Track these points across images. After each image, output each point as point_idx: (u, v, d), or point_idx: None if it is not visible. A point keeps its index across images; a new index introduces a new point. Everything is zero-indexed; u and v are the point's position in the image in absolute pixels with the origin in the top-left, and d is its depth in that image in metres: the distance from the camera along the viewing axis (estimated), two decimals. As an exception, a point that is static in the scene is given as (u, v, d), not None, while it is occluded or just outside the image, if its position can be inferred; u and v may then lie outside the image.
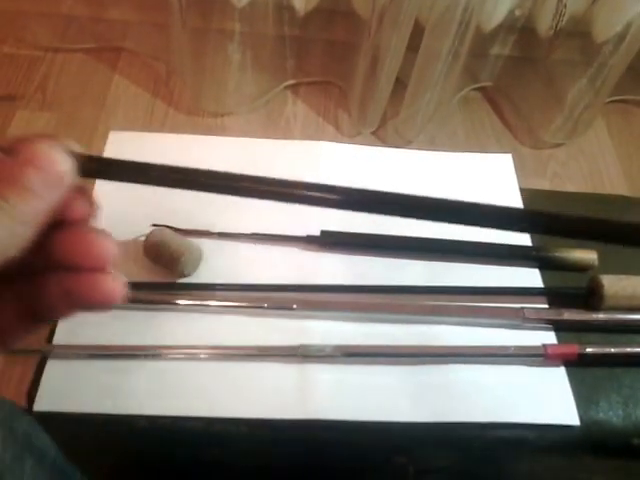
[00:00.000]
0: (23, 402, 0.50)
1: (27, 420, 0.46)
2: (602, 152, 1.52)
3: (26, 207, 0.25)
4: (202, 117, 1.45)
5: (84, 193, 0.29)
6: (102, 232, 0.28)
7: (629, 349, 0.53)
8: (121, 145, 0.65)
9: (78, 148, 0.28)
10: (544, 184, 1.43)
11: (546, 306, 0.57)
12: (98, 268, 0.28)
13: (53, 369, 0.51)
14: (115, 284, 0.28)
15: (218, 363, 0.52)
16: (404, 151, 0.69)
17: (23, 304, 0.29)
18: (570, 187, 1.43)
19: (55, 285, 0.29)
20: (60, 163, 0.27)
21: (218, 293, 0.56)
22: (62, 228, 0.28)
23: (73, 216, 0.29)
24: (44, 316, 0.30)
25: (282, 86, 1.49)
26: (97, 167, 0.28)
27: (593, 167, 1.49)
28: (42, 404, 0.49)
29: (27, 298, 0.29)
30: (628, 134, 1.57)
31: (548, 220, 0.26)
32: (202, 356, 0.52)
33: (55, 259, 0.29)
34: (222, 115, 1.45)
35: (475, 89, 1.58)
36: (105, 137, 0.66)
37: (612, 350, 0.53)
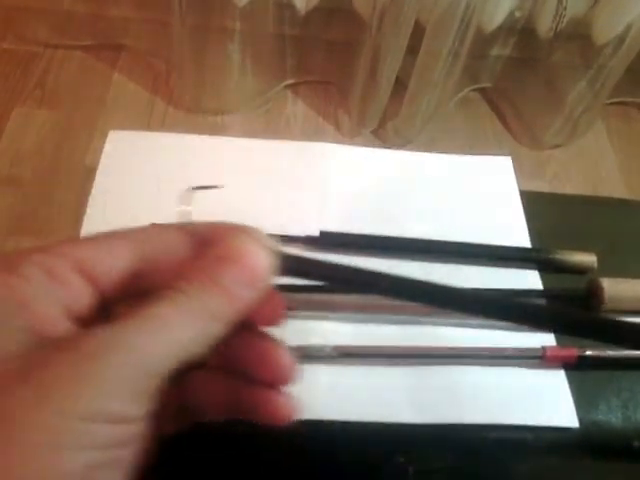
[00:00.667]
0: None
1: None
2: (601, 154, 1.53)
3: (220, 307, 0.23)
4: (202, 115, 1.45)
5: (274, 297, 0.26)
6: (285, 347, 0.27)
7: (628, 352, 0.53)
8: (121, 144, 0.65)
9: (275, 244, 0.26)
10: (543, 185, 1.43)
11: (545, 308, 0.57)
12: (273, 385, 0.26)
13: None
14: (288, 406, 0.27)
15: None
16: (405, 153, 0.69)
17: (183, 400, 0.26)
18: (569, 189, 1.44)
19: (221, 388, 0.28)
20: (262, 262, 0.25)
21: (218, 293, 0.55)
22: (243, 331, 0.26)
23: (258, 320, 0.27)
24: (198, 414, 0.28)
25: (282, 85, 1.49)
26: (295, 266, 0.26)
27: (592, 169, 1.50)
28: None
29: (188, 394, 0.27)
30: (627, 136, 1.57)
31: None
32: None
33: (228, 361, 0.27)
34: (222, 114, 1.45)
35: (475, 90, 1.58)
36: (104, 134, 0.66)
37: (611, 353, 0.53)
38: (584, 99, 1.38)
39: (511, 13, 1.38)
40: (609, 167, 1.50)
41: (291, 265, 0.26)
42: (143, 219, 0.58)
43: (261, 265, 0.24)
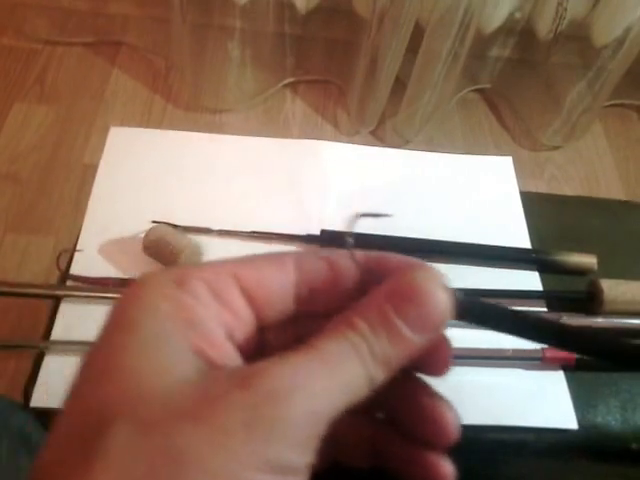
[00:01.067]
0: (18, 397, 0.50)
1: (24, 416, 0.46)
2: (599, 156, 1.53)
3: (393, 350, 0.21)
4: (200, 113, 1.44)
5: (443, 343, 0.24)
6: (449, 403, 0.24)
7: (628, 354, 0.53)
8: (122, 141, 0.65)
9: (450, 284, 0.22)
10: (541, 186, 1.43)
11: (545, 309, 0.57)
12: (431, 445, 0.24)
13: (51, 365, 0.51)
14: (447, 473, 0.24)
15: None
16: (406, 152, 0.69)
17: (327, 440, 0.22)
18: (567, 190, 1.44)
19: (368, 433, 0.26)
20: (443, 304, 0.22)
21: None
22: (403, 376, 0.23)
23: (423, 367, 0.24)
24: (340, 457, 0.26)
25: (281, 84, 1.49)
26: (472, 309, 0.23)
27: (590, 170, 1.50)
28: (39, 400, 0.49)
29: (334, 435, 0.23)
30: (625, 138, 1.58)
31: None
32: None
33: (380, 407, 0.25)
34: (220, 112, 1.45)
35: (474, 90, 1.58)
36: (102, 131, 0.66)
37: (611, 355, 0.53)
38: (583, 101, 1.38)
39: (511, 14, 1.38)
40: (607, 169, 1.51)
41: (470, 310, 0.23)
42: (144, 214, 0.58)
43: (441, 308, 0.22)
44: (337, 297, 0.24)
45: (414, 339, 0.21)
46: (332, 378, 0.20)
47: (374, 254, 0.25)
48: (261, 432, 0.18)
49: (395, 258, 0.24)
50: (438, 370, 0.24)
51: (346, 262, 0.24)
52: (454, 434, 0.24)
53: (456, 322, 0.23)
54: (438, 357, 0.24)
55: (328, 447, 0.21)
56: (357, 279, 0.24)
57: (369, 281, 0.23)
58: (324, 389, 0.20)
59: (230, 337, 0.22)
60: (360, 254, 0.24)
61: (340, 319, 0.22)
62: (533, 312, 0.25)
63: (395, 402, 0.25)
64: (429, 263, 0.23)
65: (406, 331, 0.21)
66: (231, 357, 0.22)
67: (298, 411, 0.19)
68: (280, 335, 0.25)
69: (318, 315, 0.23)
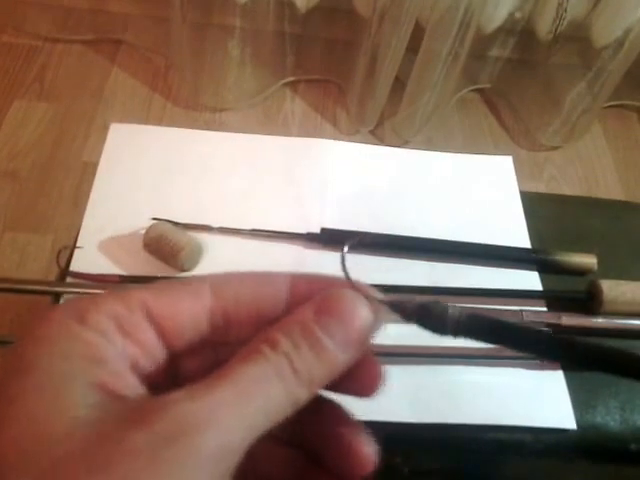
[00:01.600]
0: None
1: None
2: (598, 156, 1.53)
3: (315, 370, 0.21)
4: (200, 112, 1.44)
5: (370, 363, 0.23)
6: (368, 435, 0.24)
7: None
8: (122, 137, 0.65)
9: (381, 295, 0.23)
10: (540, 187, 1.43)
11: (545, 309, 0.57)
12: (347, 477, 0.23)
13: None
14: None
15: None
16: (406, 151, 0.69)
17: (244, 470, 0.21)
18: (566, 190, 1.44)
19: (285, 462, 0.25)
20: (365, 320, 0.22)
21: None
22: (326, 407, 0.23)
23: (347, 389, 0.24)
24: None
25: (281, 83, 1.49)
26: (470, 327, 0.22)
27: (589, 171, 1.50)
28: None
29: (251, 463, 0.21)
30: (625, 139, 1.58)
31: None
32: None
33: (298, 434, 0.24)
34: (220, 110, 1.45)
35: (473, 90, 1.58)
36: (102, 129, 0.66)
37: (610, 355, 0.53)
38: (582, 101, 1.38)
39: (511, 14, 1.38)
40: (606, 169, 1.51)
41: (468, 328, 0.22)
42: (145, 211, 0.58)
43: (364, 323, 0.22)
44: (261, 322, 0.23)
45: (338, 355, 0.21)
46: (248, 405, 0.19)
47: (305, 276, 0.24)
48: (164, 477, 0.17)
49: (326, 278, 0.24)
50: (366, 391, 0.24)
51: (272, 287, 0.24)
52: (369, 468, 0.23)
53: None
54: (366, 377, 0.23)
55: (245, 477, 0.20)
56: (284, 304, 0.23)
57: (297, 304, 0.23)
58: (238, 418, 0.19)
59: (134, 368, 0.21)
60: (292, 275, 0.24)
61: (259, 338, 0.21)
62: (539, 330, 0.24)
63: (313, 432, 0.24)
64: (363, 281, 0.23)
65: (330, 345, 0.21)
66: (134, 388, 0.21)
67: (206, 448, 0.18)
68: (198, 362, 0.24)
69: (241, 340, 0.22)
